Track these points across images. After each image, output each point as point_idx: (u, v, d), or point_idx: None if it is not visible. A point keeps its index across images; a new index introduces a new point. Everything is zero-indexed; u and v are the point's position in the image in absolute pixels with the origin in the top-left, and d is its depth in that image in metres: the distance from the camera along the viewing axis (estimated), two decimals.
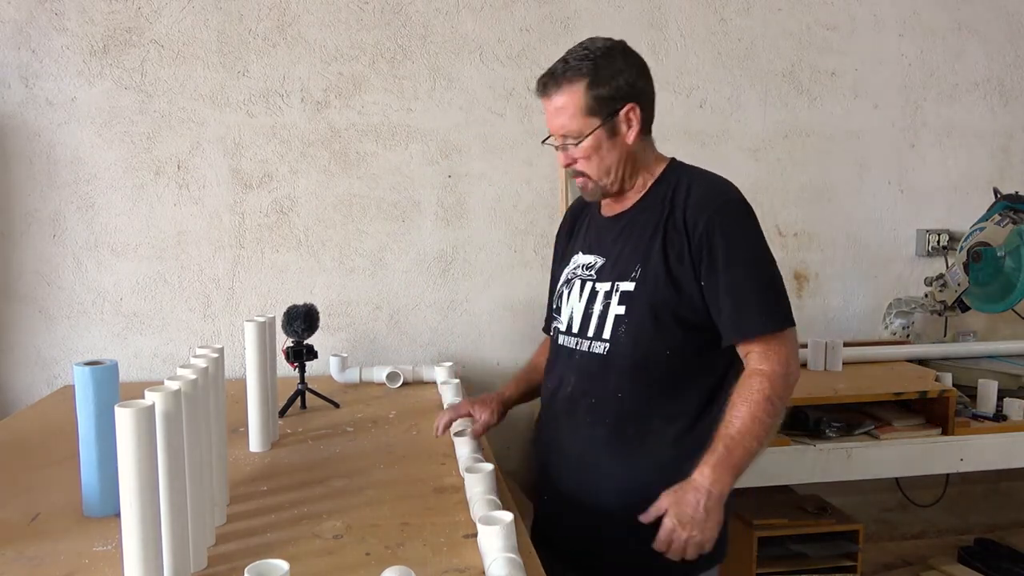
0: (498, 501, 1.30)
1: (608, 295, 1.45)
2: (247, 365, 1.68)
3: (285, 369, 2.00)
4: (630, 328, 1.41)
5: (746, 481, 2.02)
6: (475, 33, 2.49)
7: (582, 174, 1.46)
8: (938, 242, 2.81)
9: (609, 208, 1.53)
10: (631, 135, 1.42)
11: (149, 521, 1.01)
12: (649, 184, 1.47)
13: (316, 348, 2.01)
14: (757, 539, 2.18)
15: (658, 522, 1.29)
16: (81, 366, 1.29)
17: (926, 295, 2.67)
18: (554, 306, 1.60)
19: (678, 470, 1.32)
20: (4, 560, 1.16)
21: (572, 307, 1.51)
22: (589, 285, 1.49)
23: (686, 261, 1.38)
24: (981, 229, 2.53)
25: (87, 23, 2.29)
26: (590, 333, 1.46)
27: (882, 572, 2.66)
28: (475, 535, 1.22)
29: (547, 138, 1.50)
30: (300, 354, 1.98)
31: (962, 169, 2.88)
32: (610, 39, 1.44)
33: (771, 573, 2.20)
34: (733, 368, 1.41)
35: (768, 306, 1.35)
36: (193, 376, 1.15)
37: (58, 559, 1.17)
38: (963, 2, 2.81)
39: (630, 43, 1.46)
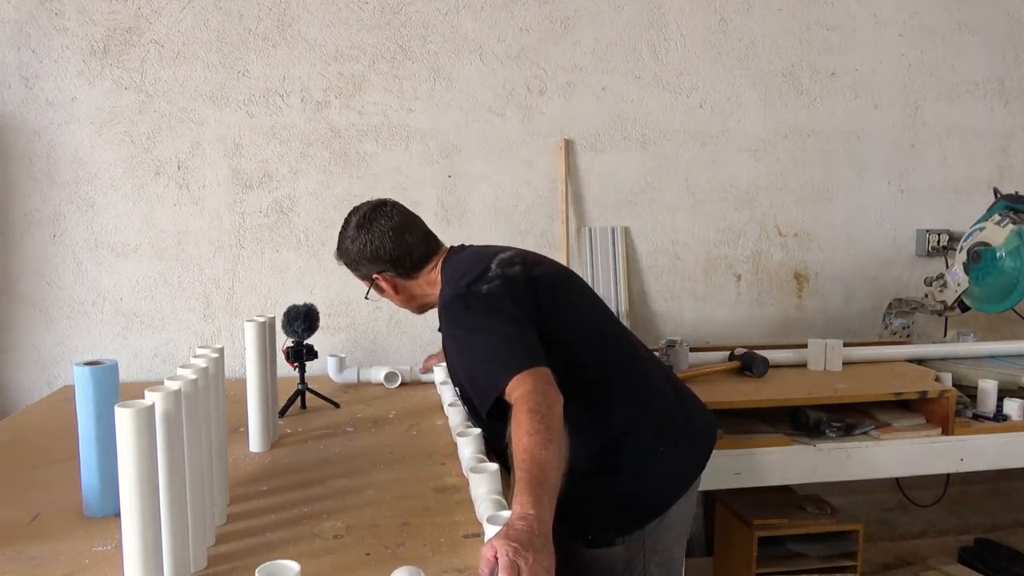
0: (503, 501, 1.30)
1: None
2: (247, 365, 1.68)
3: (285, 369, 2.00)
4: None
5: (747, 481, 2.06)
6: (475, 33, 2.49)
7: None
8: (938, 242, 2.81)
9: None
10: (389, 294, 1.75)
11: (149, 521, 1.01)
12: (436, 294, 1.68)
13: (316, 348, 2.01)
14: (757, 539, 2.18)
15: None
16: (81, 366, 1.29)
17: (926, 295, 2.67)
18: None
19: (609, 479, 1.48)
20: (4, 560, 1.16)
21: None
22: None
23: None
24: (981, 229, 2.52)
25: (87, 23, 2.29)
26: None
27: (882, 572, 2.66)
28: (476, 535, 1.22)
29: None
30: (300, 354, 1.98)
31: (962, 169, 2.88)
32: (361, 211, 1.73)
33: (771, 573, 2.20)
34: (612, 381, 1.54)
35: (493, 370, 1.37)
36: (193, 376, 1.15)
37: (58, 559, 1.17)
38: (963, 2, 2.81)
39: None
